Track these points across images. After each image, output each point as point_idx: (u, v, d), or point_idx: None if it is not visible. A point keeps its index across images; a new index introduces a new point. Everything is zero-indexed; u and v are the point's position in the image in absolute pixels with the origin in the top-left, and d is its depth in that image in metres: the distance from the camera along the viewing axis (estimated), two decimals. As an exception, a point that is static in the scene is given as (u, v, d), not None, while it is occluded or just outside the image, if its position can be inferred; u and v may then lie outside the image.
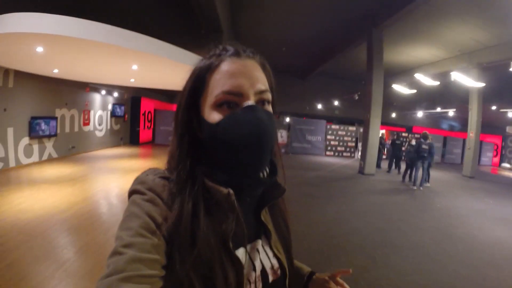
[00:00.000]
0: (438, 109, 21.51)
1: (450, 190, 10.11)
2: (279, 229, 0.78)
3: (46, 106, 9.39)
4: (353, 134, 18.17)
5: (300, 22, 11.56)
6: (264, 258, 0.70)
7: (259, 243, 0.71)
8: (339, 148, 18.11)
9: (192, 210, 0.59)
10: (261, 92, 0.66)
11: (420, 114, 22.85)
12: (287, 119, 19.78)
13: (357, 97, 18.15)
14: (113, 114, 14.04)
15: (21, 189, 6.24)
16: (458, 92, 14.82)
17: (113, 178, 7.89)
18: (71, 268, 3.27)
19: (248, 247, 0.67)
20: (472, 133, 13.59)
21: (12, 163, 8.03)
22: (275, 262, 0.72)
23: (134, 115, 15.96)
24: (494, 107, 18.46)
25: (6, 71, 7.73)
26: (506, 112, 17.85)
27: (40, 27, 4.72)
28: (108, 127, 13.83)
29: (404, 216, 6.46)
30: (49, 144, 9.60)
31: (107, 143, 13.81)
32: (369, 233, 5.20)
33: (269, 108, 0.69)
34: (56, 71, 8.25)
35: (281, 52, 15.32)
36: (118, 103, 14.33)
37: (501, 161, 21.89)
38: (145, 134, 16.74)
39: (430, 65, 14.87)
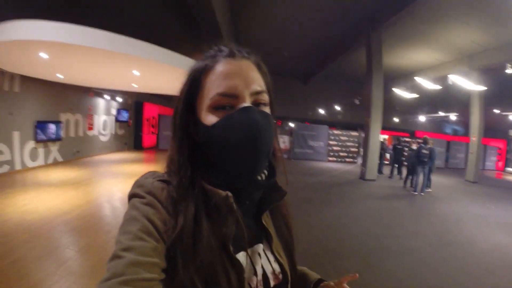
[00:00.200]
0: (441, 114, 21.47)
1: (452, 195, 10.05)
2: (281, 233, 0.78)
3: (51, 111, 9.58)
4: (356, 139, 18.12)
5: (300, 26, 11.65)
6: (266, 262, 0.69)
7: (260, 248, 0.70)
8: (341, 154, 18.06)
9: (194, 215, 0.60)
10: (257, 93, 0.66)
11: (422, 118, 22.80)
12: (291, 125, 19.76)
13: (358, 102, 18.15)
14: (117, 119, 14.23)
15: (27, 191, 6.39)
16: (460, 96, 14.76)
17: (116, 182, 8.02)
18: (72, 266, 3.39)
19: (249, 251, 0.67)
20: (474, 137, 13.56)
21: (18, 166, 8.20)
22: (276, 266, 0.71)
23: (138, 120, 16.13)
24: (497, 111, 18.41)
25: (12, 76, 7.91)
26: (509, 115, 17.80)
27: (45, 35, 4.91)
28: (113, 132, 14.02)
29: (401, 222, 6.44)
30: (54, 148, 9.78)
31: (111, 148, 13.99)
32: (364, 238, 5.20)
33: (266, 109, 0.68)
34: (60, 76, 8.44)
35: (283, 57, 15.39)
36: (122, 108, 14.52)
37: (506, 165, 21.76)
38: (149, 139, 16.89)
39: (431, 69, 14.85)
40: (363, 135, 13.40)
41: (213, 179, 0.64)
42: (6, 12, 5.57)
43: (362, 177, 11.62)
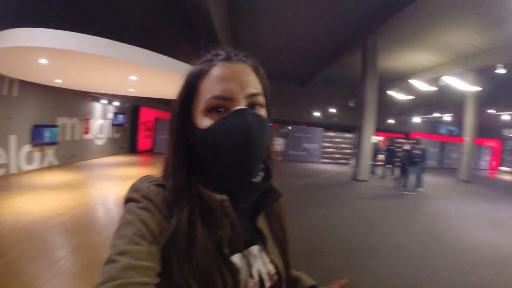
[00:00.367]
0: (436, 115, 21.65)
1: (444, 194, 10.18)
2: (275, 234, 0.78)
3: (48, 115, 9.65)
4: (350, 141, 18.26)
5: (297, 30, 11.83)
6: (261, 264, 0.69)
7: (256, 249, 0.70)
8: (335, 156, 18.22)
9: (189, 218, 0.60)
10: (252, 95, 0.65)
11: (417, 120, 22.97)
12: (288, 128, 19.89)
13: (352, 104, 18.28)
14: (113, 123, 14.29)
15: (22, 193, 6.47)
16: (455, 97, 14.95)
17: (111, 185, 8.09)
18: (65, 265, 3.50)
19: (245, 253, 0.67)
20: (467, 137, 13.75)
21: (13, 169, 8.27)
22: (271, 268, 0.71)
23: (134, 124, 16.18)
24: (492, 111, 18.60)
25: (11, 81, 7.99)
26: (503, 115, 18.00)
27: (44, 42, 5.05)
28: (108, 135, 14.08)
29: (390, 220, 6.51)
30: (50, 152, 9.85)
31: (107, 151, 14.05)
32: (351, 237, 5.28)
33: (262, 111, 0.68)
34: (59, 81, 8.55)
35: (280, 60, 15.55)
36: (118, 112, 14.61)
37: (500, 164, 22.03)
38: (144, 143, 16.95)
39: (426, 71, 15.03)
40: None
41: (208, 182, 0.65)
42: (7, 21, 5.69)
43: (355, 177, 11.75)
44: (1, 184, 7.18)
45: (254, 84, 0.67)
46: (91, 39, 5.35)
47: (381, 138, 16.74)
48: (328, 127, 20.64)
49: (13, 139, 8.19)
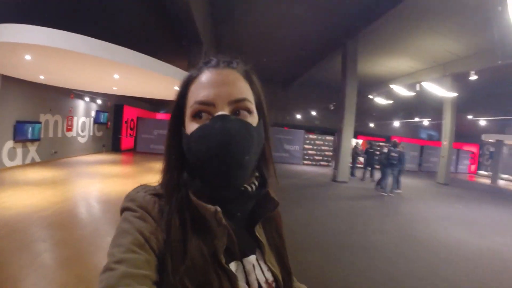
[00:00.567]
0: (416, 119, 22.22)
1: (421, 196, 10.51)
2: (273, 242, 0.77)
3: (31, 111, 9.60)
4: (331, 143, 18.49)
5: (279, 33, 12.01)
6: (259, 273, 0.68)
7: (254, 258, 0.69)
8: (316, 157, 18.47)
9: (180, 224, 0.61)
10: (237, 101, 0.65)
11: (397, 124, 23.53)
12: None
13: (332, 107, 18.54)
14: (96, 121, 14.20)
15: (4, 190, 6.48)
16: (434, 102, 15.41)
17: (93, 182, 8.13)
18: (48, 258, 3.62)
19: (243, 262, 0.66)
20: (445, 141, 14.22)
21: (-5, 166, 8.23)
22: (269, 275, 0.70)
23: (117, 122, 16.08)
24: (470, 116, 19.23)
25: (-5, 76, 7.94)
26: (480, 120, 18.64)
27: (30, 38, 5.12)
28: (91, 133, 14.01)
29: (367, 220, 6.73)
30: (32, 148, 9.80)
31: (89, 149, 13.97)
32: (328, 235, 5.46)
33: (249, 117, 0.66)
34: (42, 77, 8.54)
35: (263, 62, 15.66)
36: (101, 110, 14.54)
37: (478, 168, 22.80)
38: (127, 141, 16.86)
39: (406, 76, 15.40)
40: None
41: (200, 190, 0.64)
42: None
43: (334, 179, 12.00)
44: (-17, 180, 7.16)
45: (240, 90, 0.66)
46: (76, 37, 5.44)
47: (360, 141, 17.09)
48: (310, 129, 20.93)
49: (-5, 135, 8.14)
